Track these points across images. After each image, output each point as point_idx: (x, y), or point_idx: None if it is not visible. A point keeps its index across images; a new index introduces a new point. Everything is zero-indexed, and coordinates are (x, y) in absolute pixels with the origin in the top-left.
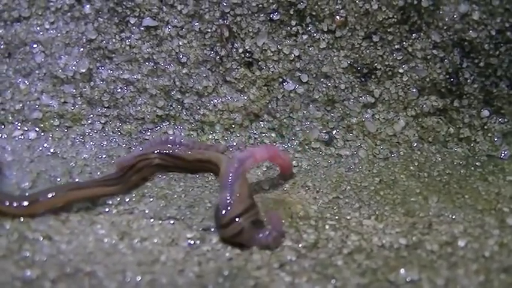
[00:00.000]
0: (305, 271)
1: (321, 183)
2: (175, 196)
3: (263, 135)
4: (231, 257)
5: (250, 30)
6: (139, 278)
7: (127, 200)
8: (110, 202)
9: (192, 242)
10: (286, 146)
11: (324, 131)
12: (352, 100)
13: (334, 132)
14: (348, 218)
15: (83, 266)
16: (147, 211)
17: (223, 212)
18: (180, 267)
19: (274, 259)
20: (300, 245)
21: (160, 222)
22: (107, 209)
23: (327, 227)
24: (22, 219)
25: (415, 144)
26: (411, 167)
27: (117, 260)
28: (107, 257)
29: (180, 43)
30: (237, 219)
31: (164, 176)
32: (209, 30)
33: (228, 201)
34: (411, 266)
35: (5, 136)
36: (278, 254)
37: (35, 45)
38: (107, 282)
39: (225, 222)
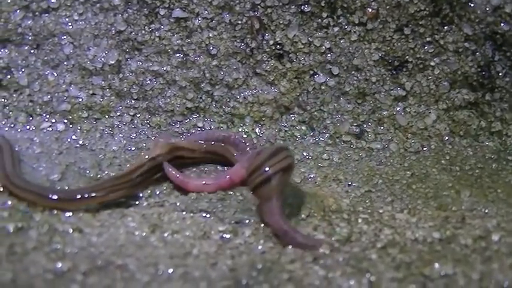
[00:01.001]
0: (339, 265)
1: (352, 177)
2: None
3: (293, 128)
4: (264, 250)
5: (281, 22)
6: (172, 271)
7: (157, 192)
8: (141, 195)
9: (224, 235)
10: (316, 139)
11: (355, 124)
12: (383, 93)
13: (365, 125)
14: (381, 211)
15: (114, 259)
16: (178, 204)
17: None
18: (212, 260)
19: (308, 252)
20: (333, 239)
21: (191, 215)
22: (137, 202)
23: (359, 220)
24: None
25: (447, 137)
26: (443, 161)
27: (149, 253)
28: (138, 249)
29: (210, 35)
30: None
31: (194, 169)
32: (239, 22)
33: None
34: (445, 260)
35: (33, 128)
36: None
37: (63, 37)
38: (139, 275)
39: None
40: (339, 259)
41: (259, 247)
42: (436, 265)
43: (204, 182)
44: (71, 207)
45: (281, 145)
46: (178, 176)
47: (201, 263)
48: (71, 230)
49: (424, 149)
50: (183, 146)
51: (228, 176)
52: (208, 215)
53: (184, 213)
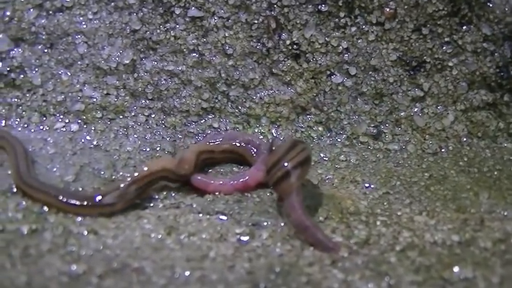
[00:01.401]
0: (358, 268)
1: (370, 178)
2: None
3: (310, 128)
4: (281, 253)
5: (298, 21)
6: (189, 274)
7: (173, 194)
8: (156, 196)
9: (241, 238)
10: (333, 140)
11: (372, 125)
12: (400, 94)
13: (382, 126)
14: (399, 213)
15: (130, 262)
16: (194, 205)
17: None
18: (230, 263)
19: (326, 255)
20: (352, 241)
21: (208, 217)
22: (152, 204)
23: (378, 223)
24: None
25: (465, 139)
26: (461, 163)
27: (165, 256)
28: (154, 252)
29: (226, 34)
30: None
31: (210, 170)
32: (256, 21)
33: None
34: (465, 263)
35: (47, 128)
36: None
37: (77, 36)
38: (155, 278)
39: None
40: (357, 262)
41: (277, 250)
42: (456, 268)
43: (221, 183)
44: (86, 213)
45: (296, 139)
46: (199, 177)
47: (218, 266)
48: (85, 232)
49: (442, 150)
50: (205, 149)
51: (243, 179)
52: (224, 217)
53: (200, 215)
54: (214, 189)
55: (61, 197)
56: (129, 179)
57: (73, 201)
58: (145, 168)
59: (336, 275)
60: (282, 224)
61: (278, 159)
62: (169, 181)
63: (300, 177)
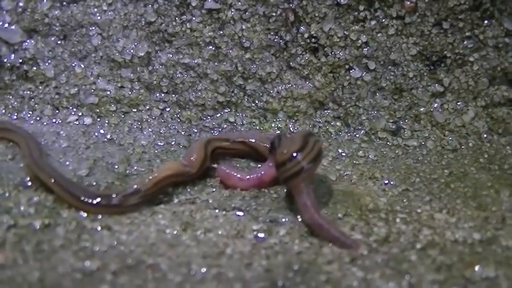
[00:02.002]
0: (378, 266)
1: (389, 175)
2: None
3: (328, 124)
4: (300, 250)
5: (317, 14)
6: (205, 271)
7: (188, 189)
8: (171, 191)
9: (258, 235)
10: (351, 136)
11: (391, 121)
12: (420, 89)
13: (401, 122)
14: (419, 211)
15: (145, 258)
16: (210, 201)
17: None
18: (247, 260)
19: (345, 253)
20: (371, 239)
21: (224, 213)
22: (167, 199)
23: (397, 220)
24: None
25: (485, 135)
26: (481, 159)
27: (181, 252)
28: (170, 248)
29: (243, 27)
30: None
31: (227, 165)
32: (274, 14)
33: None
34: (487, 262)
35: (60, 121)
36: None
37: (91, 27)
38: (171, 275)
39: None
40: (377, 260)
41: (295, 247)
42: (477, 267)
43: (239, 176)
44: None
45: (307, 131)
46: (224, 168)
47: (235, 263)
48: (99, 228)
49: (462, 147)
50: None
51: (258, 175)
52: (241, 213)
53: (217, 211)
54: (234, 183)
55: (65, 185)
56: (135, 186)
57: (74, 191)
58: (151, 177)
59: (356, 273)
60: (300, 221)
61: (291, 155)
62: (180, 183)
63: (313, 172)
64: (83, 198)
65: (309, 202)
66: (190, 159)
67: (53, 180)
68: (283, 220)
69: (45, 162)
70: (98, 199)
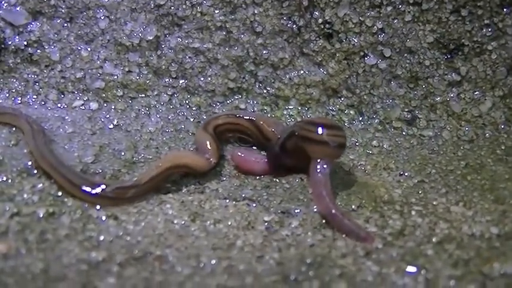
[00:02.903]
0: (393, 260)
1: (404, 166)
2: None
3: (341, 112)
4: (313, 243)
5: None
6: (215, 264)
7: (197, 178)
8: (179, 180)
9: (270, 226)
10: (365, 125)
11: (406, 110)
12: (436, 77)
13: (416, 111)
14: (435, 203)
15: (152, 249)
16: (220, 190)
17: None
18: (258, 253)
19: (360, 246)
20: (386, 232)
21: (234, 203)
22: (175, 188)
23: (413, 212)
24: None
25: (502, 126)
26: (498, 151)
27: (190, 244)
28: (178, 239)
29: (256, 11)
30: None
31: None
32: None
33: None
34: (505, 258)
35: (65, 106)
36: None
37: (98, 10)
38: (179, 268)
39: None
40: (392, 254)
41: (308, 239)
42: (496, 263)
43: (254, 159)
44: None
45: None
46: (239, 153)
47: (246, 256)
48: (105, 217)
49: (478, 137)
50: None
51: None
52: (252, 204)
53: (227, 200)
54: (250, 167)
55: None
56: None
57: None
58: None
59: (370, 267)
60: (314, 212)
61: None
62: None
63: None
64: (82, 187)
65: (324, 192)
66: (207, 149)
67: (52, 167)
68: (296, 211)
69: (48, 149)
70: (98, 189)
